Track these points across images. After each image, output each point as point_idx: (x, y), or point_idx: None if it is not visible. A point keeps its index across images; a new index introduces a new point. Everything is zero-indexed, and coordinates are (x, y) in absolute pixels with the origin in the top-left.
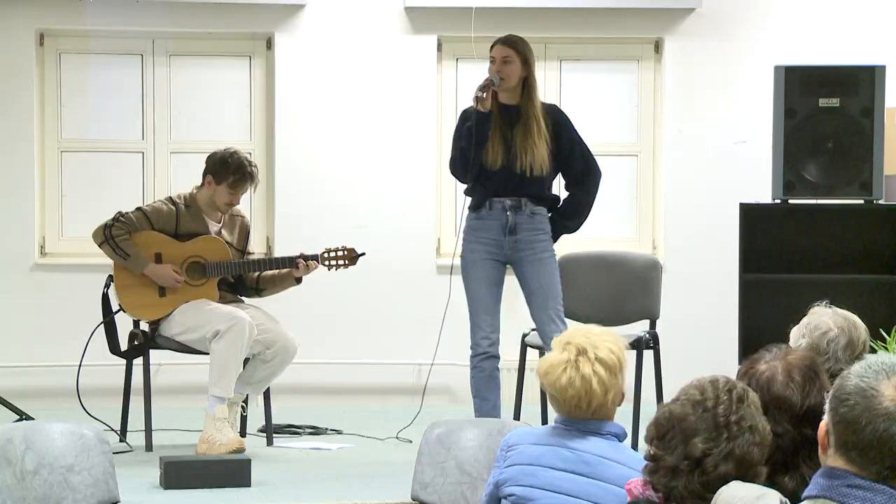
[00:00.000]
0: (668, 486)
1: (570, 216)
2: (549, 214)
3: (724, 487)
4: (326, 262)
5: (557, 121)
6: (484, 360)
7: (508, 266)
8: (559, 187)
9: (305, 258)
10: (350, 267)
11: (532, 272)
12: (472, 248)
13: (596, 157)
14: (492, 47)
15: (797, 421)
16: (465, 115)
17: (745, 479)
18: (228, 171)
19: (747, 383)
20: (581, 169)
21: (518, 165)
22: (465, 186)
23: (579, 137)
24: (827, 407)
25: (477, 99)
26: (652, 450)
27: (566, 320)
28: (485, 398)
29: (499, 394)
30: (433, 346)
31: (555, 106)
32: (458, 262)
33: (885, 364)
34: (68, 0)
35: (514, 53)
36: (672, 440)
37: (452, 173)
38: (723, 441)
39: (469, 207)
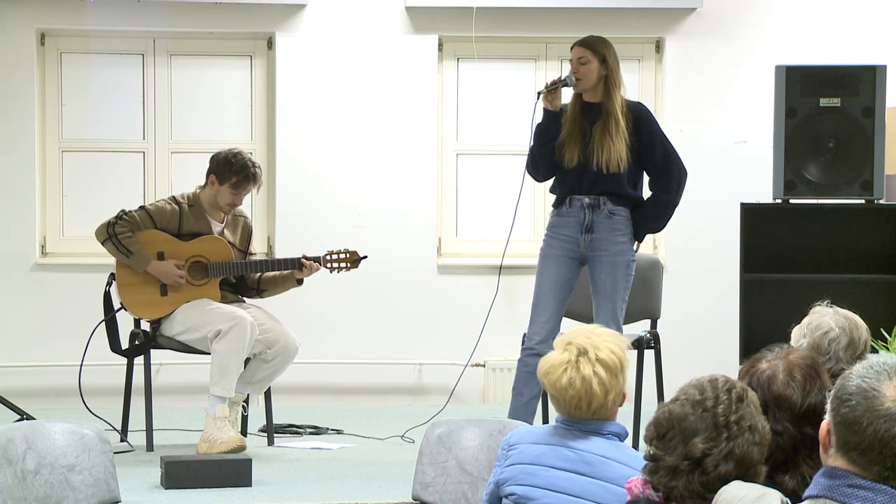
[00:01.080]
0: (668, 486)
1: (650, 217)
2: (631, 216)
3: (724, 487)
4: (328, 265)
5: (638, 118)
6: (531, 356)
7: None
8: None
9: (308, 259)
10: (352, 269)
11: (602, 273)
12: (550, 244)
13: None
14: (571, 49)
15: (797, 420)
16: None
17: (744, 479)
18: (232, 171)
19: (748, 382)
20: (661, 166)
21: (594, 162)
22: (549, 186)
23: (662, 134)
24: (828, 407)
25: (539, 95)
26: (652, 450)
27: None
28: (520, 393)
29: (535, 392)
30: (433, 347)
31: (639, 103)
32: (510, 261)
33: (886, 364)
34: (69, 0)
35: (591, 54)
36: (672, 440)
37: (528, 172)
38: (723, 441)
39: (552, 204)
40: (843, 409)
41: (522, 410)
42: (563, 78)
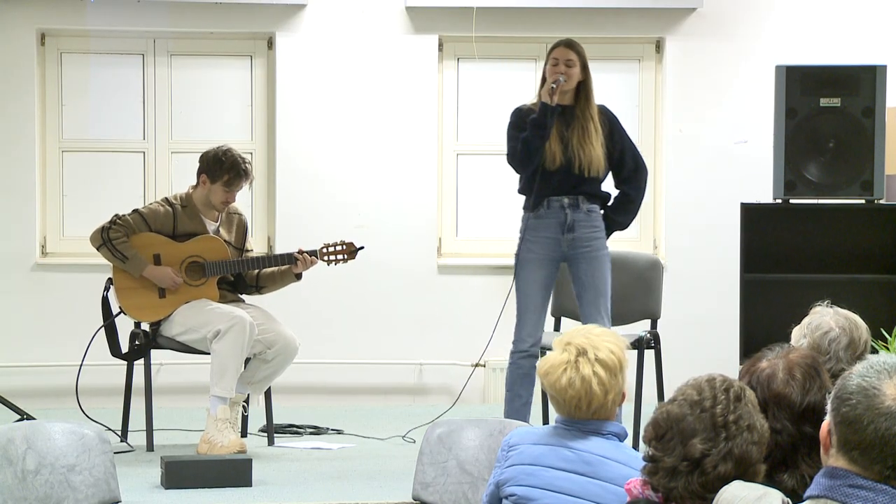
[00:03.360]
0: (667, 486)
1: (622, 212)
2: (602, 212)
3: (726, 487)
4: (325, 257)
5: (611, 121)
6: (523, 357)
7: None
8: (608, 185)
9: (304, 253)
10: (349, 261)
11: (587, 269)
12: (529, 248)
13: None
14: (552, 49)
15: (797, 419)
16: (521, 111)
17: (744, 478)
18: (222, 169)
19: (748, 381)
20: (631, 167)
21: (576, 165)
22: (517, 187)
23: (628, 136)
24: (829, 407)
25: (552, 90)
26: (650, 451)
27: (569, 320)
28: (518, 395)
29: (531, 392)
30: (433, 347)
31: (605, 107)
32: (509, 261)
33: (886, 364)
34: (69, 0)
35: (577, 58)
36: (670, 441)
37: (512, 164)
38: (721, 441)
39: (525, 207)
40: (844, 409)
41: (522, 411)
42: (558, 78)
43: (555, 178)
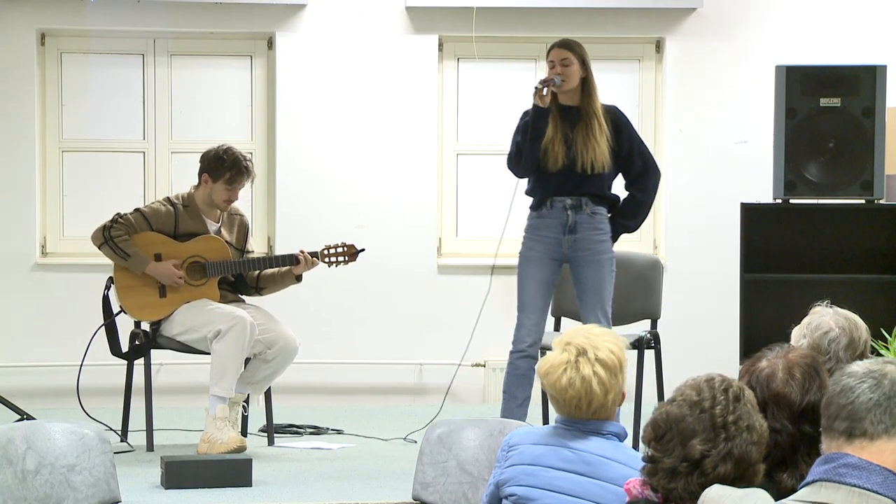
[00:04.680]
0: (666, 487)
1: (629, 216)
2: (609, 215)
3: (708, 489)
4: (326, 259)
5: (617, 121)
6: (521, 358)
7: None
8: (619, 188)
9: (305, 254)
10: (350, 263)
11: (588, 273)
12: (530, 246)
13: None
14: (548, 52)
15: (796, 418)
16: (526, 113)
17: (743, 479)
18: (224, 167)
19: (748, 380)
20: (639, 168)
21: (579, 164)
22: (525, 188)
23: (638, 137)
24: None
25: (536, 91)
26: (650, 451)
27: (569, 320)
28: (513, 395)
29: (528, 394)
30: (433, 347)
31: (615, 107)
32: (501, 261)
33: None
34: (69, 0)
35: (573, 55)
36: (670, 441)
37: (509, 168)
38: (721, 442)
39: (530, 207)
40: (825, 400)
41: (517, 412)
42: (552, 78)
43: (557, 178)
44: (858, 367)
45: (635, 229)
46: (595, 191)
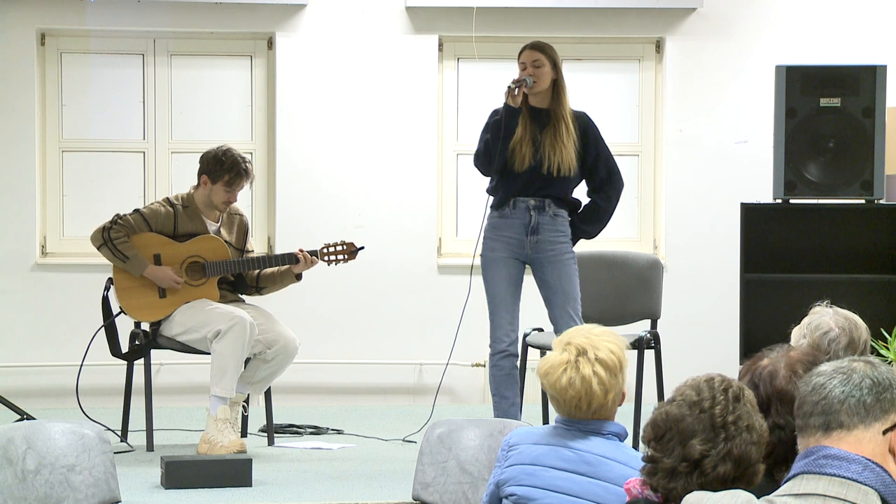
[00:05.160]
0: (666, 487)
1: (589, 221)
2: (570, 219)
3: (688, 496)
4: (325, 258)
5: (585, 127)
6: (503, 358)
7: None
8: (581, 194)
9: (304, 253)
10: (349, 261)
11: (553, 272)
12: (492, 247)
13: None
14: (520, 53)
15: None
16: (495, 112)
17: (743, 479)
18: (223, 169)
19: (750, 378)
20: (603, 176)
21: (545, 166)
22: (487, 186)
23: (605, 145)
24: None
25: (509, 90)
26: (649, 451)
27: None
28: (504, 396)
29: (518, 392)
30: (433, 347)
31: (584, 113)
32: (478, 260)
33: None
34: (69, 0)
35: (544, 57)
36: (670, 442)
37: (476, 166)
38: (721, 442)
39: (491, 206)
40: (799, 403)
41: (511, 412)
42: (524, 78)
43: (522, 178)
44: (826, 366)
45: (594, 236)
46: (559, 193)
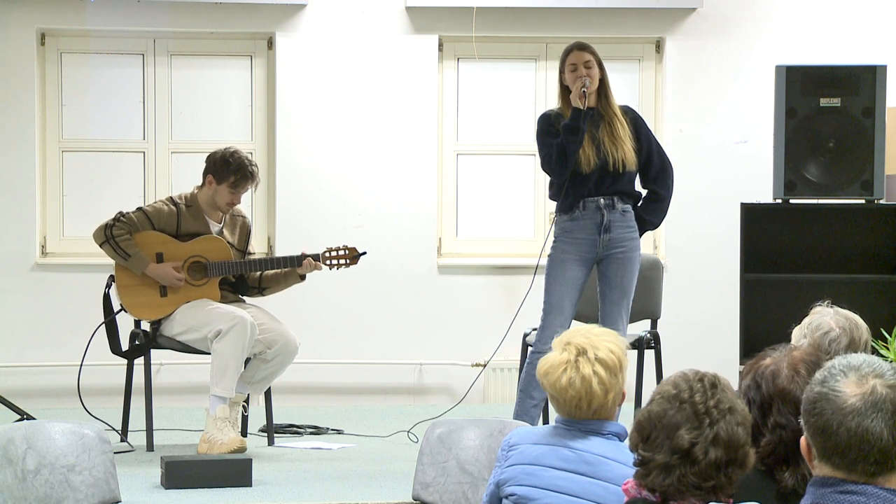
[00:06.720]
0: (663, 484)
1: (652, 212)
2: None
3: None
4: (328, 262)
5: (635, 120)
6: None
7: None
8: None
9: (308, 257)
10: (351, 266)
11: (618, 271)
12: (563, 248)
13: None
14: (566, 55)
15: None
16: (549, 117)
17: (735, 462)
18: (229, 170)
19: (752, 378)
20: (659, 166)
21: (611, 163)
22: (549, 192)
23: (654, 136)
24: (802, 422)
25: (583, 94)
26: (640, 454)
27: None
28: (530, 395)
29: (545, 396)
30: (433, 347)
31: (630, 107)
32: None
33: (840, 365)
34: (69, 0)
35: (593, 58)
36: (657, 439)
37: (547, 170)
38: (706, 427)
39: (560, 210)
40: (813, 419)
41: (532, 413)
42: (584, 81)
43: (590, 179)
44: (850, 394)
45: (658, 226)
46: (626, 189)
